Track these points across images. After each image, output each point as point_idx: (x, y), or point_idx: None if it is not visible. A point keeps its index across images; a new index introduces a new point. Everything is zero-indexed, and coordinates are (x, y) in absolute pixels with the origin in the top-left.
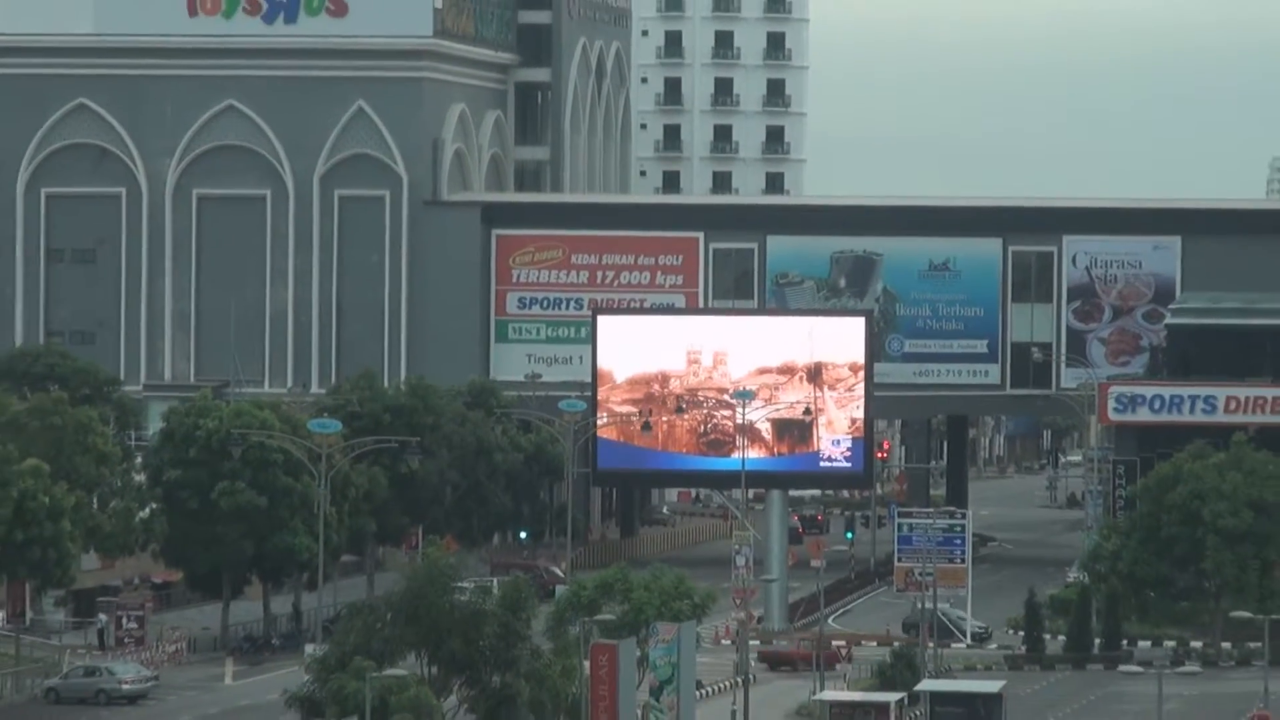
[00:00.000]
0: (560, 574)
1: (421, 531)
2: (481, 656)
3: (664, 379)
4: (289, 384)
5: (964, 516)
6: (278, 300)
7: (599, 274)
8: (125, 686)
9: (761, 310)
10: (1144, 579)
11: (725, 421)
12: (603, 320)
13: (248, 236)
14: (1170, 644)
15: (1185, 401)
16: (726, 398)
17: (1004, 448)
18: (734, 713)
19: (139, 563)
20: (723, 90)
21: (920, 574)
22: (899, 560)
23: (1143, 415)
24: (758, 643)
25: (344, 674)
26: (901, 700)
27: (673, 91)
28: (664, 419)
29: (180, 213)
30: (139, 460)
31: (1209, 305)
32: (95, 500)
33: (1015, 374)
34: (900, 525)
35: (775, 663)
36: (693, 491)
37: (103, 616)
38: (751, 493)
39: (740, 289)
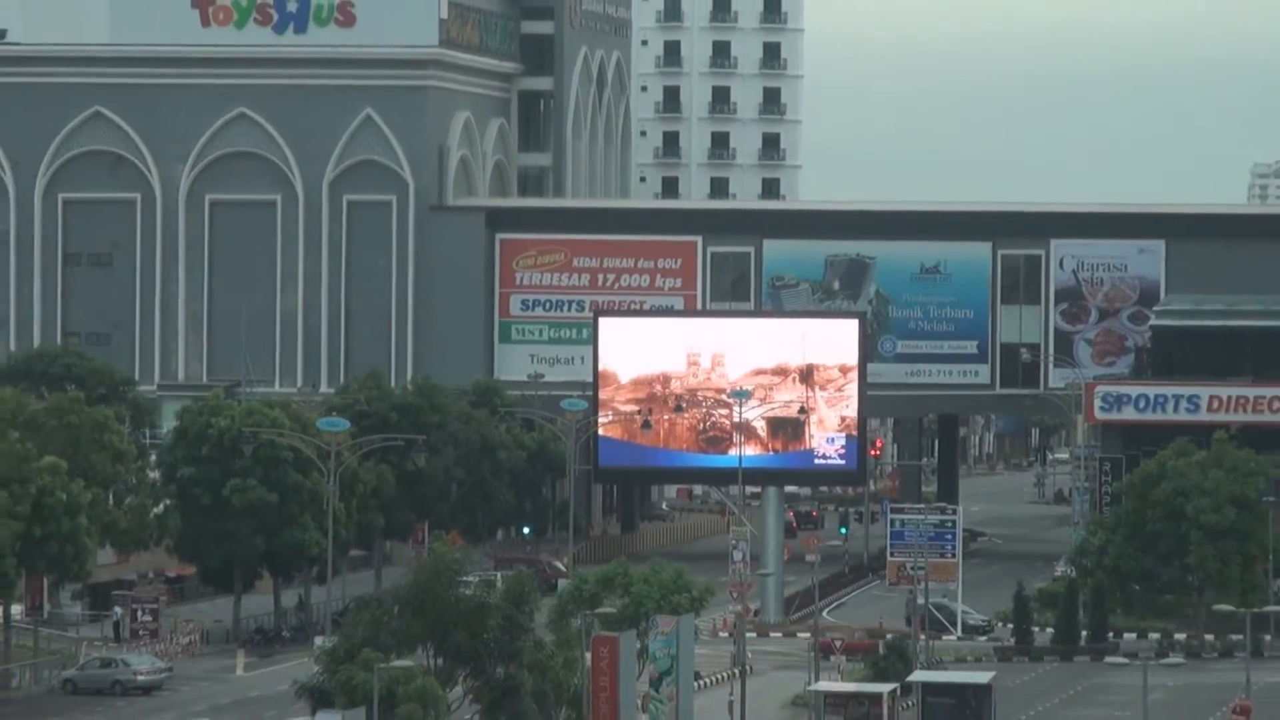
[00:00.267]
0: (562, 568)
1: (427, 527)
2: (486, 648)
3: (663, 379)
4: (299, 384)
5: (954, 512)
6: (288, 302)
7: (600, 277)
8: (140, 677)
9: (758, 312)
10: (1129, 573)
11: (723, 420)
12: (604, 322)
13: (259, 241)
14: (1155, 636)
15: (1169, 401)
16: (724, 397)
17: (993, 446)
18: (731, 703)
19: (153, 557)
20: (720, 98)
21: (912, 568)
22: (891, 555)
23: (1128, 414)
24: (754, 634)
25: (353, 665)
26: (894, 691)
27: (671, 100)
28: (663, 418)
29: (193, 217)
30: (153, 458)
31: (1192, 307)
32: (111, 497)
33: (1004, 374)
34: (893, 521)
35: (828, 652)
36: (690, 488)
37: (118, 609)
38: (748, 489)
39: (737, 291)
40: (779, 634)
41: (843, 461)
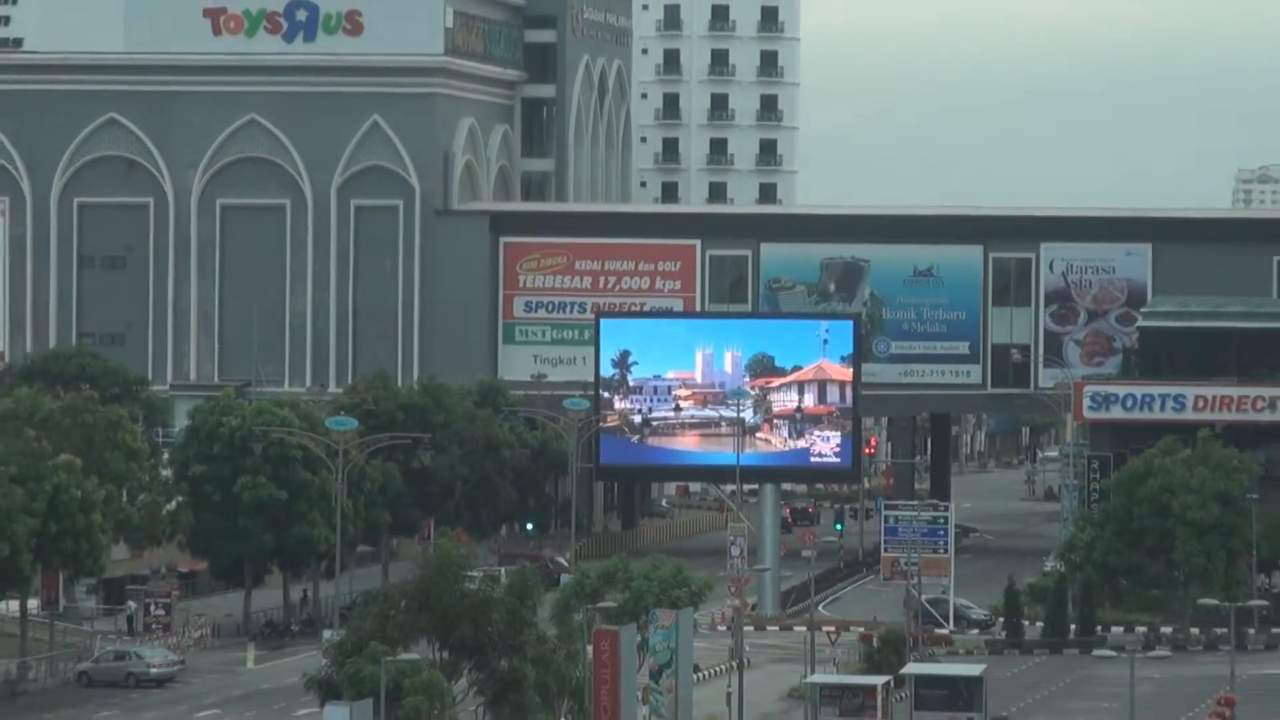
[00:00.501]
0: (565, 564)
1: (433, 523)
2: (490, 642)
3: (663, 379)
4: (308, 383)
5: (947, 509)
6: (297, 304)
7: (601, 279)
8: (153, 670)
9: (755, 313)
10: (1117, 568)
11: (720, 418)
12: (605, 323)
13: (269, 244)
14: (1142, 629)
15: (1156, 400)
16: (723, 397)
17: (985, 444)
18: (729, 695)
19: (166, 553)
20: (718, 105)
21: (906, 563)
22: (885, 550)
23: (1116, 413)
24: (751, 628)
25: (360, 658)
26: (888, 683)
27: (671, 107)
28: (663, 417)
29: (205, 221)
30: (166, 456)
31: (1178, 309)
32: (125, 494)
33: (995, 374)
34: (887, 517)
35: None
36: (687, 486)
37: (132, 604)
38: (745, 486)
39: (735, 293)
40: (775, 627)
41: (838, 459)
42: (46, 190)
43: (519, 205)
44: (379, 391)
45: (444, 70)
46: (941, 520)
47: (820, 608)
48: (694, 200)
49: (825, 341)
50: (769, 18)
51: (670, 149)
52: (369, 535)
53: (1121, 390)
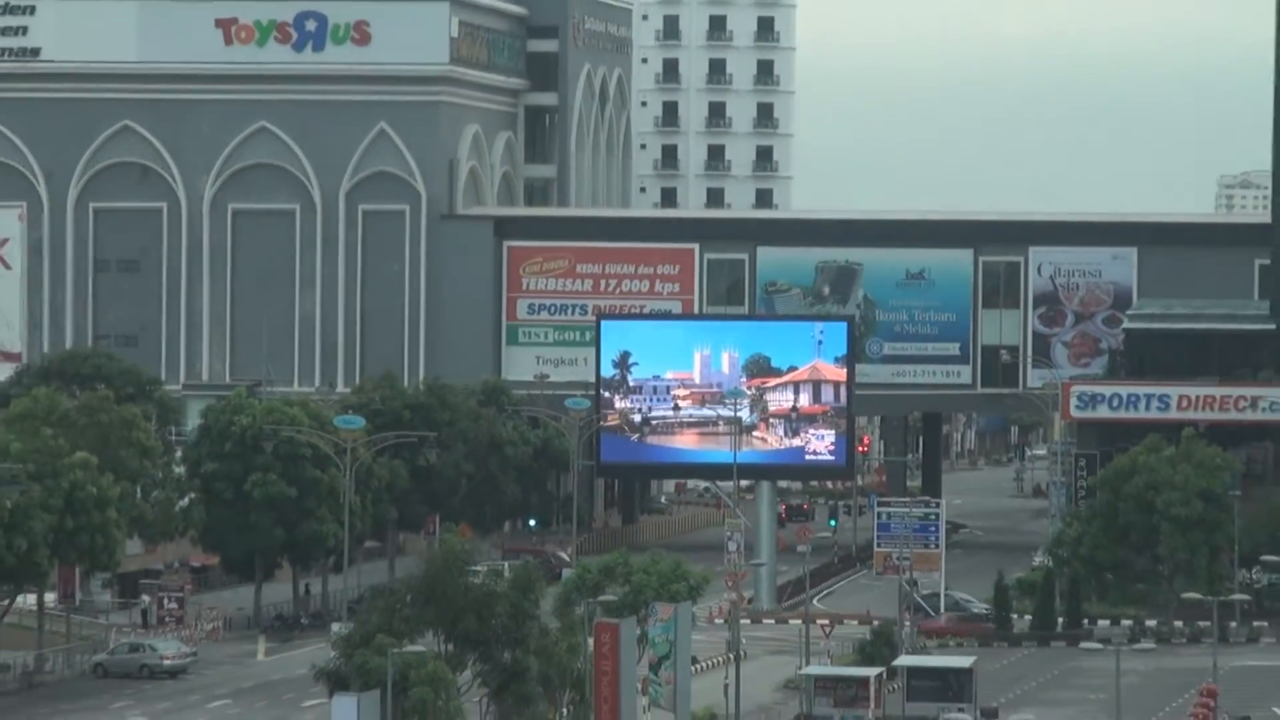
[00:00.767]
0: (566, 558)
1: (438, 519)
2: (494, 634)
3: (662, 379)
4: (316, 383)
5: (938, 505)
6: (306, 306)
7: (602, 282)
8: (167, 662)
9: (752, 315)
10: (1103, 563)
11: (718, 418)
12: (605, 325)
13: (279, 248)
14: (1127, 623)
15: (1141, 400)
16: (720, 396)
17: (975, 442)
18: (727, 686)
19: (179, 548)
20: (716, 113)
21: (898, 558)
22: (878, 545)
23: (1102, 412)
24: (748, 621)
25: (368, 650)
26: (880, 674)
27: (670, 114)
28: (662, 416)
29: (217, 226)
30: (179, 454)
31: (1162, 311)
32: (139, 490)
33: (985, 374)
34: (879, 513)
35: (934, 635)
36: (686, 483)
37: (146, 597)
38: (742, 483)
39: (732, 296)
40: (771, 621)
41: (832, 457)
42: (63, 196)
43: (522, 210)
44: (386, 391)
45: (449, 79)
46: (933, 517)
47: (815, 601)
48: (692, 205)
49: (820, 342)
50: (765, 28)
51: (669, 155)
52: (376, 531)
53: (1108, 390)
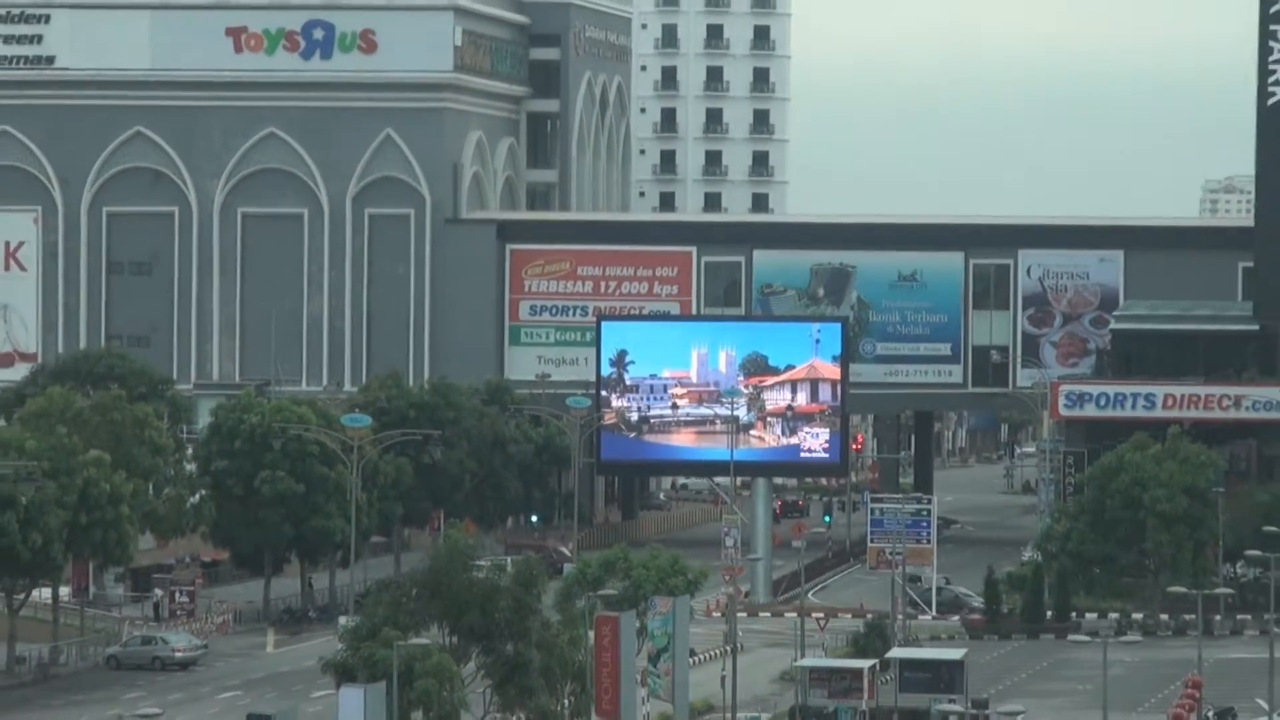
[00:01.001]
0: (568, 554)
1: (443, 515)
2: (497, 628)
3: (660, 378)
4: (324, 383)
5: (930, 501)
6: (314, 308)
7: (602, 284)
8: (178, 654)
9: (748, 316)
10: (1091, 557)
11: (715, 416)
12: (605, 326)
13: (287, 251)
14: (1114, 616)
15: (1127, 398)
16: (718, 395)
17: (966, 440)
18: (724, 678)
19: (190, 543)
20: (713, 120)
21: (890, 553)
22: (871, 540)
23: (1090, 411)
24: (744, 614)
25: (374, 643)
26: (874, 666)
27: (668, 121)
28: (660, 415)
29: (226, 229)
30: (190, 451)
31: (1148, 312)
32: (151, 487)
33: (976, 374)
34: (873, 509)
35: (975, 629)
36: (683, 480)
37: (158, 591)
38: (739, 480)
39: (729, 298)
40: (767, 614)
41: (826, 455)
42: (77, 200)
43: (524, 214)
44: (392, 390)
45: (453, 86)
46: (925, 512)
47: (810, 595)
48: (690, 209)
49: (817, 341)
50: (761, 37)
51: (668, 161)
52: (382, 526)
53: (1095, 389)
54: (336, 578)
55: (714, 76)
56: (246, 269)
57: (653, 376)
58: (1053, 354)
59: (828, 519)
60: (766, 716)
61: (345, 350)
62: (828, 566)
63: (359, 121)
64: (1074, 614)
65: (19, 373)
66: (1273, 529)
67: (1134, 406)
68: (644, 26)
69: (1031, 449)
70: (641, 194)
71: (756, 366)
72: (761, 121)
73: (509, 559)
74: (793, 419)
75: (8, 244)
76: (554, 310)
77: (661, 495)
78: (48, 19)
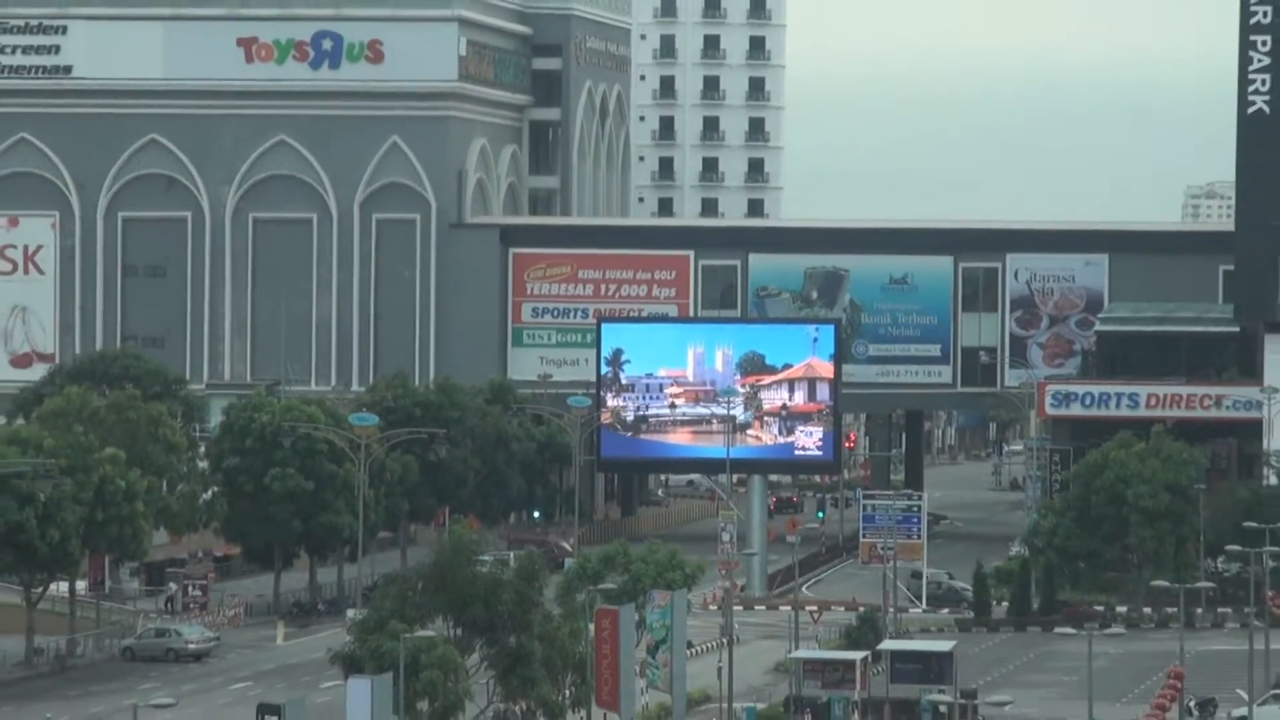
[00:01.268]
0: (569, 548)
1: (448, 511)
2: (500, 620)
3: (659, 378)
4: (332, 383)
5: (920, 498)
6: (323, 310)
7: (602, 287)
8: (191, 646)
9: (744, 318)
10: (1076, 552)
11: (712, 416)
12: (605, 327)
13: (297, 255)
14: (1099, 609)
15: (1112, 398)
16: (714, 394)
17: (955, 438)
18: (720, 669)
19: (202, 538)
20: (710, 127)
21: (882, 548)
22: (864, 536)
23: (1075, 410)
24: (740, 607)
25: (381, 635)
26: (866, 658)
27: (666, 128)
28: (658, 413)
29: (238, 234)
30: (202, 449)
31: (1132, 314)
32: (165, 484)
33: (965, 374)
34: (865, 506)
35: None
36: (683, 478)
37: (171, 585)
38: (735, 477)
39: (725, 300)
40: (763, 607)
41: (820, 453)
42: (93, 205)
43: (527, 219)
44: (398, 390)
45: (458, 95)
46: (915, 509)
47: (804, 589)
48: (688, 214)
49: (815, 340)
50: (757, 47)
51: (666, 167)
52: (389, 522)
53: (1080, 389)
54: (344, 572)
55: (710, 85)
56: (257, 272)
57: (648, 376)
58: (1039, 355)
59: (821, 515)
60: (762, 707)
61: (353, 351)
62: (821, 561)
63: (366, 129)
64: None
65: (37, 373)
66: (1252, 524)
67: (1118, 406)
68: (643, 37)
69: (1019, 447)
70: (640, 199)
71: (754, 365)
72: (757, 129)
73: (512, 554)
74: (788, 418)
75: (26, 248)
76: (555, 312)
77: (660, 492)
78: (65, 30)
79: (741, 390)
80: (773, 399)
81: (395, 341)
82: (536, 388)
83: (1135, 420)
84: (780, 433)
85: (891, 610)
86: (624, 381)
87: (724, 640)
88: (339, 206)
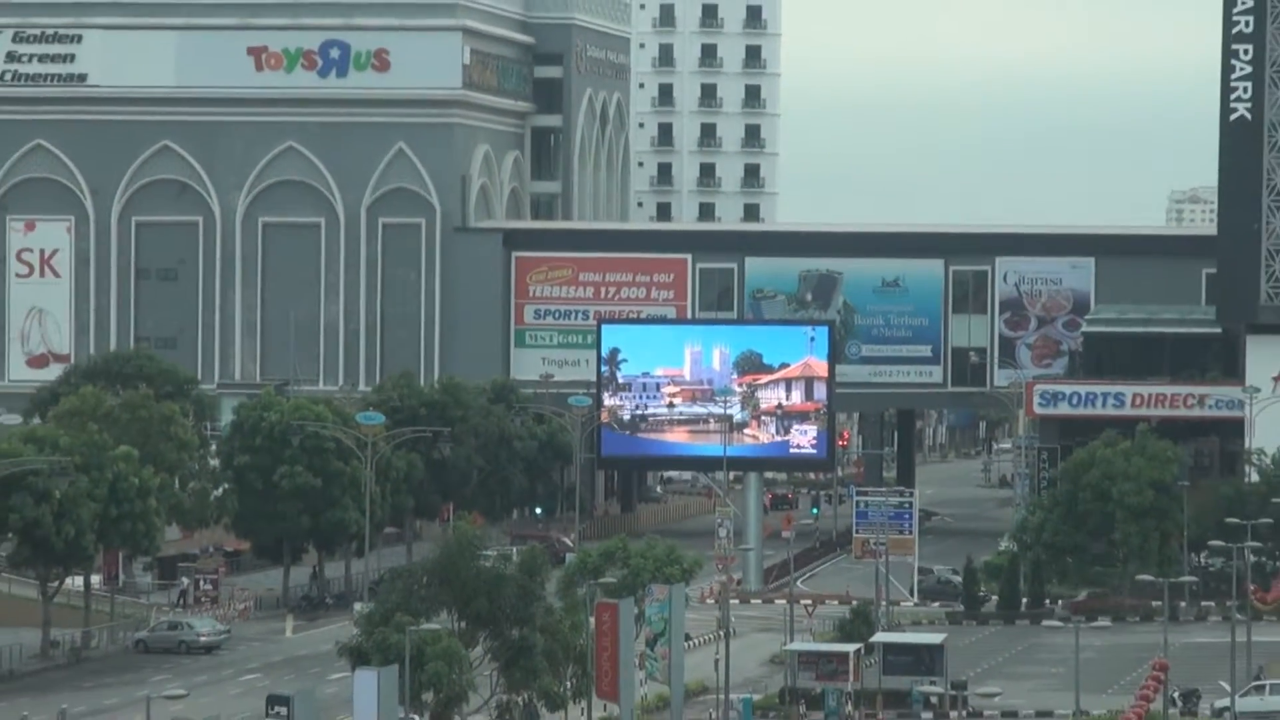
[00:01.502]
0: (570, 544)
1: (452, 507)
2: (503, 613)
3: (655, 377)
4: (340, 383)
5: (912, 495)
6: (330, 312)
7: (602, 289)
8: (202, 638)
9: (740, 320)
10: (1063, 547)
11: (709, 415)
12: (605, 329)
13: (305, 258)
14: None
15: (1098, 397)
16: (711, 393)
17: (945, 437)
18: (717, 661)
19: (214, 534)
20: (707, 134)
21: (875, 543)
22: (857, 531)
23: (1063, 409)
24: (736, 601)
25: (387, 628)
26: (859, 650)
27: (665, 135)
28: (657, 412)
29: (248, 238)
30: (213, 447)
31: (1118, 316)
32: (177, 481)
33: (955, 374)
34: (858, 502)
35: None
36: (679, 475)
37: (183, 579)
38: (732, 474)
39: (722, 302)
40: (758, 601)
41: (814, 451)
42: (108, 210)
43: (529, 223)
44: (404, 390)
45: (462, 102)
46: (907, 505)
47: (799, 583)
48: (685, 219)
49: (812, 339)
50: (753, 56)
51: (664, 173)
52: (395, 518)
53: (1068, 389)
54: (352, 567)
55: (708, 93)
56: (267, 275)
57: (645, 375)
58: (1028, 355)
59: (815, 511)
60: (758, 697)
61: (360, 352)
62: (815, 556)
63: (373, 136)
64: (1048, 601)
65: (53, 373)
66: (1234, 520)
67: (1104, 405)
68: (642, 46)
69: (1008, 445)
70: (639, 204)
71: (751, 364)
72: (753, 136)
73: (514, 549)
74: (783, 417)
75: (43, 251)
76: (557, 314)
77: (659, 489)
78: (80, 39)
79: (739, 390)
80: (770, 398)
81: (401, 342)
82: (538, 387)
83: (1121, 419)
84: (777, 431)
85: (884, 604)
86: (620, 381)
87: (721, 633)
88: (346, 211)
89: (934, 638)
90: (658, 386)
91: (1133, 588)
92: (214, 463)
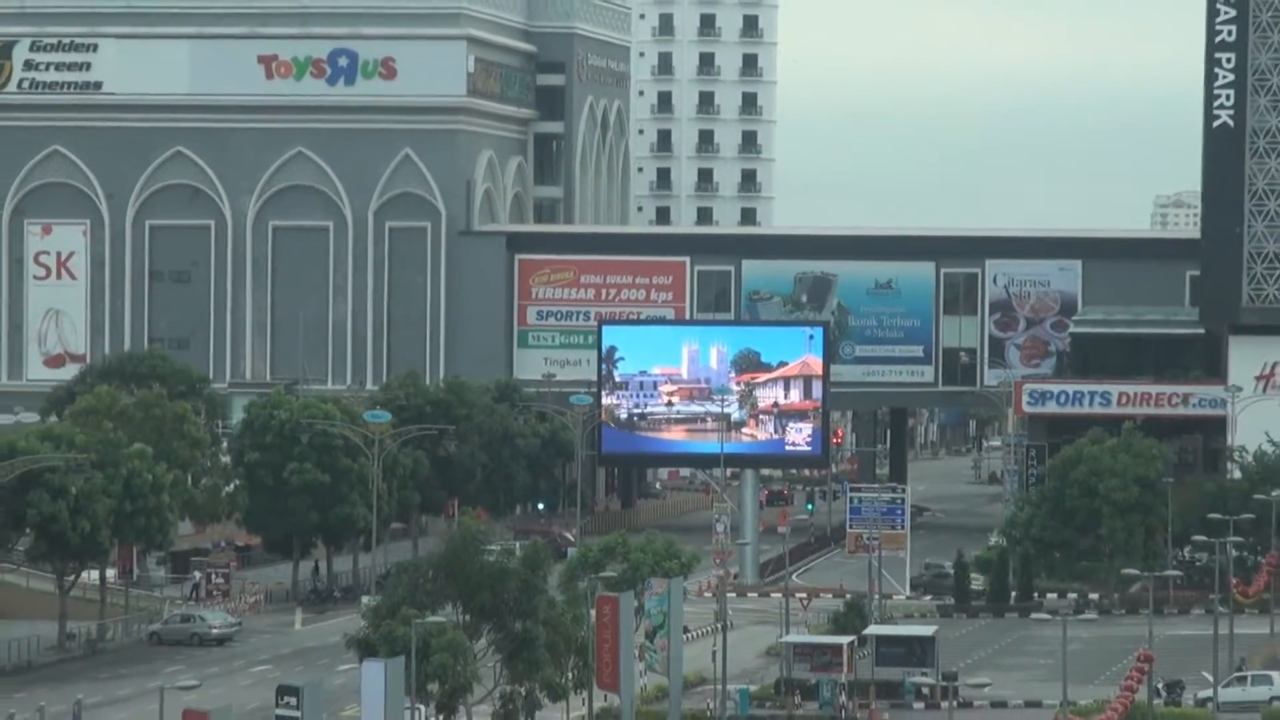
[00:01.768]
0: (571, 539)
1: (457, 503)
2: (506, 607)
3: (652, 375)
4: (348, 382)
5: (904, 491)
6: (338, 313)
7: (603, 291)
8: (214, 631)
9: (737, 321)
10: (1051, 542)
11: (707, 413)
12: (606, 329)
13: (314, 260)
14: (1073, 596)
15: (1085, 396)
16: (709, 392)
17: (937, 434)
18: (715, 653)
19: (225, 529)
20: (705, 140)
21: (868, 538)
22: (850, 527)
23: (1051, 407)
24: (734, 595)
25: (394, 621)
26: (852, 642)
27: (664, 141)
28: (655, 411)
29: (258, 241)
30: (225, 445)
31: (1104, 317)
32: (190, 478)
33: (946, 374)
34: (851, 498)
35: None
36: (680, 471)
37: (196, 573)
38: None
39: (720, 304)
40: (755, 594)
41: (809, 448)
42: (122, 214)
43: (532, 227)
44: (410, 389)
45: (466, 109)
46: (899, 501)
47: (794, 577)
48: (684, 222)
49: (810, 338)
50: (750, 64)
51: (663, 178)
52: (401, 514)
53: (1055, 388)
54: (359, 561)
55: (706, 100)
56: (276, 277)
57: (642, 373)
58: (1017, 355)
59: (810, 507)
60: (754, 688)
61: (367, 352)
62: (810, 551)
63: (380, 142)
64: (1036, 594)
65: (69, 373)
66: (1217, 516)
67: (1091, 404)
68: (642, 55)
69: (997, 443)
70: (639, 209)
71: (749, 363)
72: (750, 142)
73: (517, 544)
74: (779, 415)
75: (59, 254)
76: (559, 315)
77: (658, 485)
78: (95, 48)
79: (736, 388)
80: (768, 396)
81: (407, 343)
82: (541, 386)
83: (1107, 417)
84: (775, 429)
85: (877, 597)
86: (617, 379)
87: (718, 625)
88: (354, 215)
89: (925, 630)
90: (655, 385)
91: (1119, 581)
92: (225, 460)
